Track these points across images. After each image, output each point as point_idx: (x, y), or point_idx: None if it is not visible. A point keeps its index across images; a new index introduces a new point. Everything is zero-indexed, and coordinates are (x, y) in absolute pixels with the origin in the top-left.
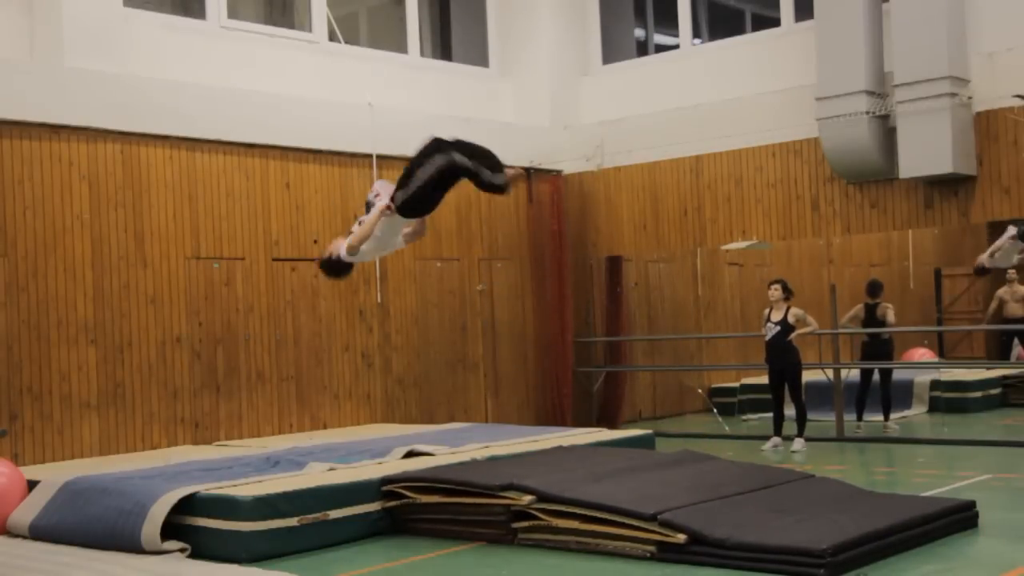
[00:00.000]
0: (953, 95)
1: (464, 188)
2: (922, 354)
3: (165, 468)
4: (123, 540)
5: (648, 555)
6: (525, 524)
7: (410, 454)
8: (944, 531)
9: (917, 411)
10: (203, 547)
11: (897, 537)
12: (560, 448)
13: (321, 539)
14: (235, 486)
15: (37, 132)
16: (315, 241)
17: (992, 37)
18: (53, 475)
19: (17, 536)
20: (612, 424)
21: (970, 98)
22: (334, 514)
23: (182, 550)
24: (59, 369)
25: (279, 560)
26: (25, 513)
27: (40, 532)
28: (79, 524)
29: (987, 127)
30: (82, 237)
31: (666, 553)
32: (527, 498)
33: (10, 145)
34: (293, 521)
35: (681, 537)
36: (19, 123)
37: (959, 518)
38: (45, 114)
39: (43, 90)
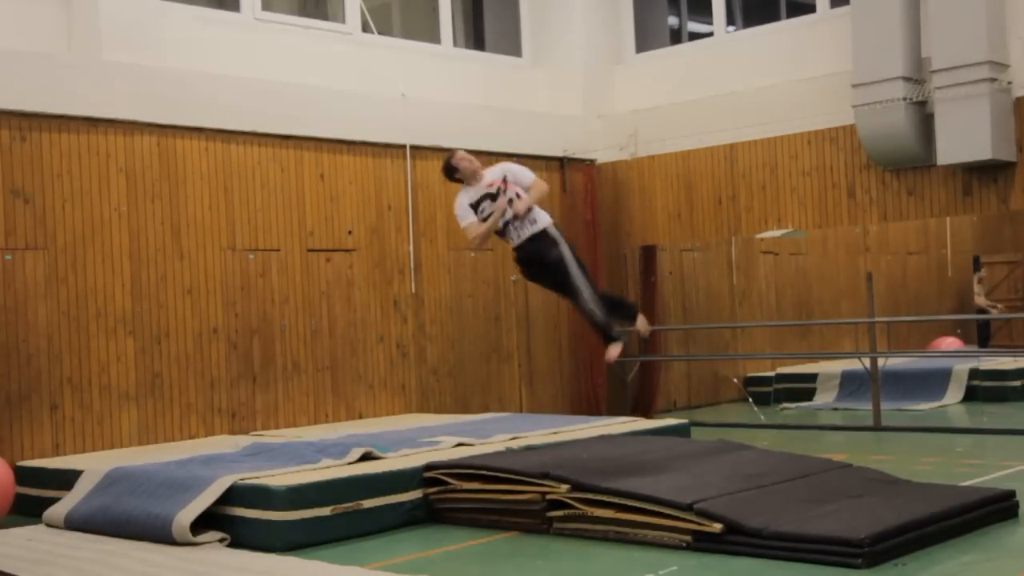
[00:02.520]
0: (992, 80)
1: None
2: (949, 343)
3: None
4: (159, 529)
5: (684, 545)
6: (560, 513)
7: (458, 445)
8: (983, 521)
9: (953, 400)
10: (238, 536)
11: (935, 527)
12: (595, 438)
13: (355, 528)
14: (271, 476)
15: (75, 125)
16: (349, 232)
17: None
18: (95, 464)
19: (54, 527)
20: (647, 414)
21: (1010, 83)
22: (368, 503)
23: (221, 540)
24: (98, 360)
25: (313, 549)
26: (63, 505)
27: (75, 522)
28: (118, 513)
29: None
30: (120, 229)
31: (702, 543)
32: (563, 487)
33: (49, 138)
34: (327, 510)
35: (717, 526)
36: (58, 116)
37: (998, 508)
38: (83, 107)
39: (81, 83)
